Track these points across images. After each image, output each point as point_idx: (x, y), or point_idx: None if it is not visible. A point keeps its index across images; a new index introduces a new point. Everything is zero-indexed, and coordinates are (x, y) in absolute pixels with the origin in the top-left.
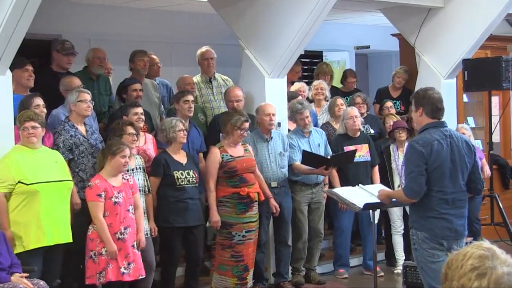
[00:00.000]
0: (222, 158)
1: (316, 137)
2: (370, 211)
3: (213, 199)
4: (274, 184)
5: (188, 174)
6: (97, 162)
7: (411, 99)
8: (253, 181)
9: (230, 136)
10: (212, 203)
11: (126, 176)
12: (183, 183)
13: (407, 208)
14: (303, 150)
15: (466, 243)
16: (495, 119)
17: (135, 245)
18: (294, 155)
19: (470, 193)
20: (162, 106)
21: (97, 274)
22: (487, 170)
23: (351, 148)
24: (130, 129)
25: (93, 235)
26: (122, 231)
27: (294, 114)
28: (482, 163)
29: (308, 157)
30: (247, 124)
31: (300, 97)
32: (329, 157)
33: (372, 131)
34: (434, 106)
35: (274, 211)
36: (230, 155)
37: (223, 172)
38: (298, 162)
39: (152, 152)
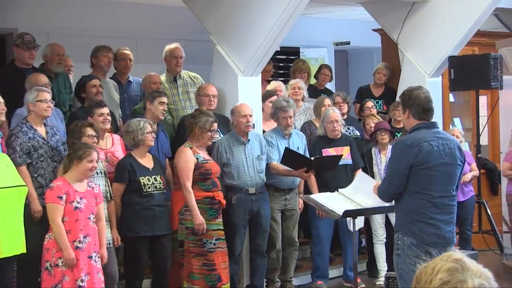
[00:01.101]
0: (197, 158)
1: (296, 140)
2: (351, 218)
3: (193, 201)
4: (252, 190)
5: (155, 179)
6: (62, 166)
7: (399, 99)
8: (220, 187)
9: (198, 139)
10: (194, 205)
11: (91, 184)
12: (150, 189)
13: (390, 216)
14: (286, 148)
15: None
16: (483, 120)
17: (94, 256)
18: (272, 153)
19: None
20: (121, 109)
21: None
22: (473, 173)
23: (330, 151)
24: (90, 131)
25: (49, 244)
26: (81, 239)
27: (277, 112)
28: (471, 168)
29: (289, 156)
30: (216, 125)
31: (275, 96)
32: (312, 158)
33: (357, 133)
34: (420, 108)
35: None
36: (203, 157)
37: (198, 174)
38: (275, 162)
39: (121, 154)
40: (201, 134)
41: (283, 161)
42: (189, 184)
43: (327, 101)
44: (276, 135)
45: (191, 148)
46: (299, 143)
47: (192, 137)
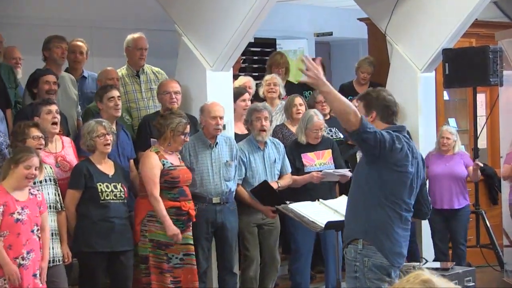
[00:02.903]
0: (163, 164)
1: (273, 151)
2: (334, 231)
3: (163, 209)
4: (216, 200)
5: (115, 187)
6: (2, 171)
7: (359, 99)
8: (190, 196)
9: (169, 143)
10: (165, 214)
11: (34, 191)
12: (108, 197)
13: None
14: (264, 181)
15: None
16: (481, 120)
17: (38, 275)
18: (239, 174)
19: (413, 217)
20: (80, 107)
21: None
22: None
23: (310, 155)
24: (35, 132)
25: None
26: (24, 255)
27: (251, 114)
28: (469, 170)
29: (264, 190)
30: (189, 128)
31: (247, 94)
32: (288, 202)
33: (341, 135)
34: (390, 110)
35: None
36: (171, 163)
37: (163, 181)
38: (241, 186)
39: (73, 158)
40: (173, 137)
41: (254, 191)
42: (156, 191)
43: (298, 100)
44: (249, 147)
45: (157, 152)
46: (275, 155)
47: (163, 141)
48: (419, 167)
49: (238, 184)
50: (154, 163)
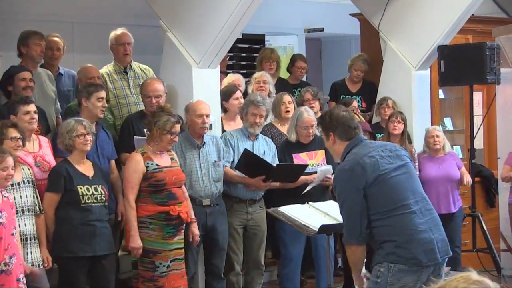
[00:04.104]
0: (147, 167)
1: (263, 145)
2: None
3: (134, 218)
4: (206, 202)
5: (96, 190)
6: None
7: (319, 126)
8: (182, 198)
9: (157, 142)
10: (133, 223)
11: (5, 193)
12: (90, 201)
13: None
14: (245, 149)
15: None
16: (478, 120)
17: (21, 278)
18: (227, 156)
19: None
20: (59, 104)
21: None
22: (467, 178)
23: (302, 156)
24: (13, 132)
25: None
26: (7, 261)
27: (247, 106)
28: (461, 172)
29: (248, 160)
30: (178, 127)
31: (239, 92)
32: (275, 165)
33: None
34: (346, 126)
35: (191, 239)
36: (157, 164)
37: (147, 185)
38: (229, 167)
39: (51, 158)
40: (159, 136)
41: (238, 166)
42: (131, 197)
43: (287, 97)
44: (238, 135)
45: (143, 153)
46: (265, 149)
47: (151, 139)
48: (402, 159)
49: (225, 166)
50: (135, 167)
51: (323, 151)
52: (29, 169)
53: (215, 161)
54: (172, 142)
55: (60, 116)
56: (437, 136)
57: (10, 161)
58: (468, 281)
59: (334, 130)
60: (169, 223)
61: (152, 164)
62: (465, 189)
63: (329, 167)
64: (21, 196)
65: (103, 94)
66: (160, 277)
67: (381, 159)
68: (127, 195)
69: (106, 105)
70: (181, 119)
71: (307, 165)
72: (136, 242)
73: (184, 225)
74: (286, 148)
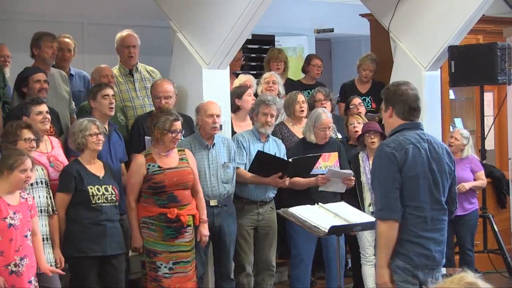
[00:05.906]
0: (148, 169)
1: (273, 146)
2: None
3: (134, 218)
4: (213, 203)
5: (106, 190)
6: None
7: (381, 95)
8: (187, 201)
9: (161, 143)
10: (133, 223)
11: (24, 195)
12: (100, 201)
13: None
14: (258, 151)
15: (450, 274)
16: (489, 120)
17: (33, 281)
18: (240, 158)
19: None
20: (73, 103)
21: None
22: (475, 183)
23: None
24: (27, 133)
25: None
26: (17, 262)
27: (258, 106)
28: (475, 177)
29: (262, 160)
30: (178, 124)
31: (251, 89)
32: (290, 160)
33: (339, 135)
34: (407, 106)
35: (198, 239)
36: (159, 166)
37: (147, 187)
38: (242, 168)
39: (64, 158)
40: (161, 136)
41: (252, 169)
42: (132, 198)
43: (301, 97)
44: (249, 137)
45: (147, 155)
46: (276, 151)
47: (155, 141)
48: (440, 164)
49: (238, 168)
50: (136, 169)
51: (336, 153)
52: (42, 169)
53: (224, 162)
54: (175, 140)
55: (75, 116)
56: (455, 139)
57: (29, 163)
58: (460, 283)
59: (395, 105)
60: (169, 225)
61: (153, 166)
62: (476, 190)
63: (350, 171)
64: (34, 197)
65: (108, 91)
66: (164, 278)
67: (424, 154)
68: (128, 196)
69: (113, 101)
70: (191, 120)
71: (320, 155)
72: (136, 242)
73: (189, 228)
74: (299, 149)
